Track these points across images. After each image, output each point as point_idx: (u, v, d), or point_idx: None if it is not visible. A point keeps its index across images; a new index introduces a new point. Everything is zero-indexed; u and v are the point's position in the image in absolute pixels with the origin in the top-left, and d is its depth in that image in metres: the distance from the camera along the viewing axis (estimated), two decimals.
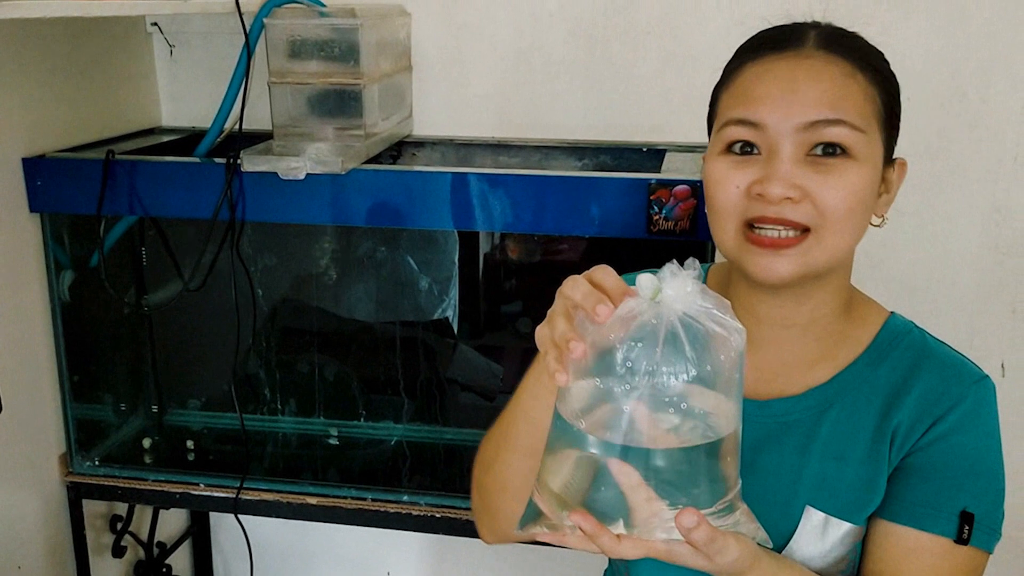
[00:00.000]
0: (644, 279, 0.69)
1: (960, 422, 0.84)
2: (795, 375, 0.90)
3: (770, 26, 0.89)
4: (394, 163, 1.69)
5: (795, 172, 0.79)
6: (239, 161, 1.32)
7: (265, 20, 1.38)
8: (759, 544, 0.76)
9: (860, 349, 0.89)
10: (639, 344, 0.66)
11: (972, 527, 0.83)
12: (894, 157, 0.87)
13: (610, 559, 1.09)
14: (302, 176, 1.31)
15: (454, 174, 1.35)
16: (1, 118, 1.37)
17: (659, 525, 0.68)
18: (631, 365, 0.66)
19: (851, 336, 0.90)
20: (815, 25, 0.85)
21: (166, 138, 1.68)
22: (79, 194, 1.41)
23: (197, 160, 1.44)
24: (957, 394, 0.85)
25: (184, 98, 1.78)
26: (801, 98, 0.79)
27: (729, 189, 0.81)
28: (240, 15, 1.38)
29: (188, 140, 1.63)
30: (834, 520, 0.87)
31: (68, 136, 1.51)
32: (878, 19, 1.51)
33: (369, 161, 1.42)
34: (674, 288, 0.68)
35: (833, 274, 0.86)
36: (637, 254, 1.43)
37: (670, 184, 1.28)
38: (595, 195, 1.32)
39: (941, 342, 0.90)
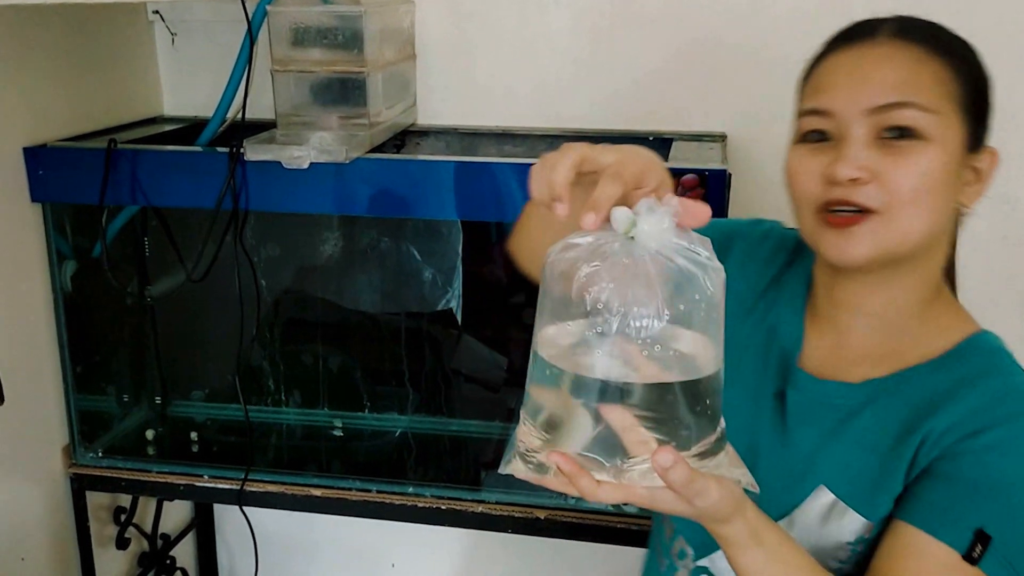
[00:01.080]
0: (619, 213, 0.67)
1: (1003, 441, 0.80)
2: (859, 364, 0.89)
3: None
4: (398, 152, 1.68)
5: (864, 154, 0.80)
6: (242, 150, 1.31)
7: (268, 7, 1.36)
8: (746, 490, 0.74)
9: (930, 355, 0.87)
10: (612, 282, 0.65)
11: (985, 549, 0.79)
12: (984, 145, 0.86)
13: (650, 540, 1.09)
14: (306, 165, 1.30)
15: (458, 163, 1.33)
16: (2, 107, 1.36)
17: (640, 471, 0.67)
18: (604, 304, 0.65)
19: (924, 340, 0.88)
20: (892, 19, 0.86)
21: (168, 127, 1.67)
22: (81, 184, 1.40)
23: (200, 149, 1.43)
24: (1009, 413, 0.81)
25: (186, 87, 1.77)
26: (868, 83, 0.81)
27: (805, 176, 0.84)
28: (243, 2, 1.37)
29: (190, 129, 1.62)
30: (841, 505, 0.86)
31: (69, 125, 1.50)
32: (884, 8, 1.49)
33: (373, 150, 1.40)
34: (649, 224, 0.67)
35: (911, 265, 0.85)
36: None
37: (677, 173, 1.26)
38: None
39: (1022, 370, 0.87)
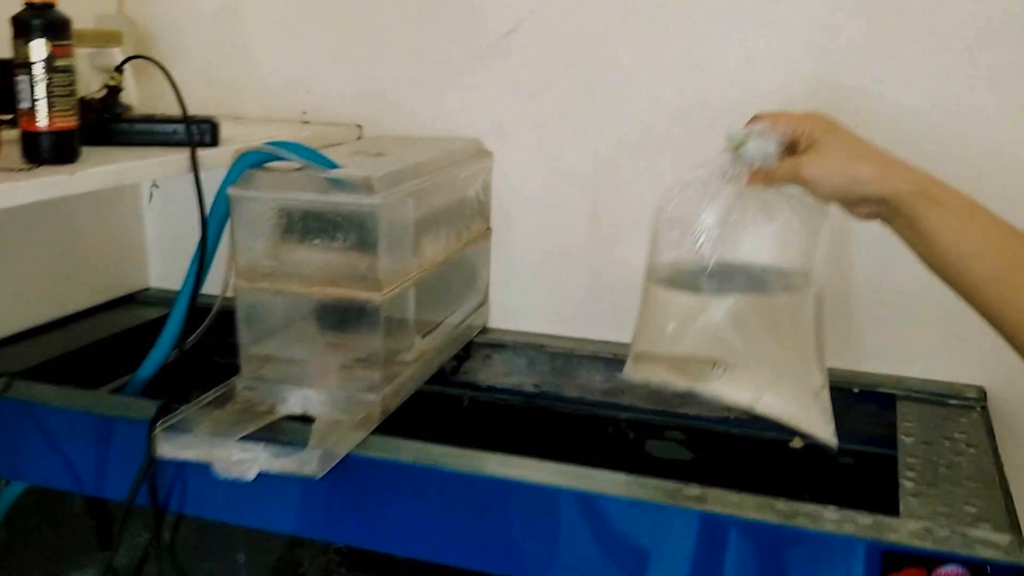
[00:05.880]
0: (734, 129, 0.78)
1: None
2: None
3: None
4: (459, 367, 1.14)
5: None
6: (155, 433, 0.78)
7: (230, 190, 0.84)
8: None
9: None
10: (711, 197, 0.78)
11: None
12: None
13: None
14: (251, 476, 0.76)
15: (530, 486, 0.75)
16: None
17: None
18: (706, 217, 0.78)
19: None
20: None
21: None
22: None
23: (110, 412, 0.89)
24: None
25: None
26: None
27: None
28: (196, 177, 0.85)
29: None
30: None
31: None
32: None
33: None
34: (756, 146, 0.76)
35: None
36: None
37: (925, 560, 0.65)
38: (775, 554, 0.70)
39: None
